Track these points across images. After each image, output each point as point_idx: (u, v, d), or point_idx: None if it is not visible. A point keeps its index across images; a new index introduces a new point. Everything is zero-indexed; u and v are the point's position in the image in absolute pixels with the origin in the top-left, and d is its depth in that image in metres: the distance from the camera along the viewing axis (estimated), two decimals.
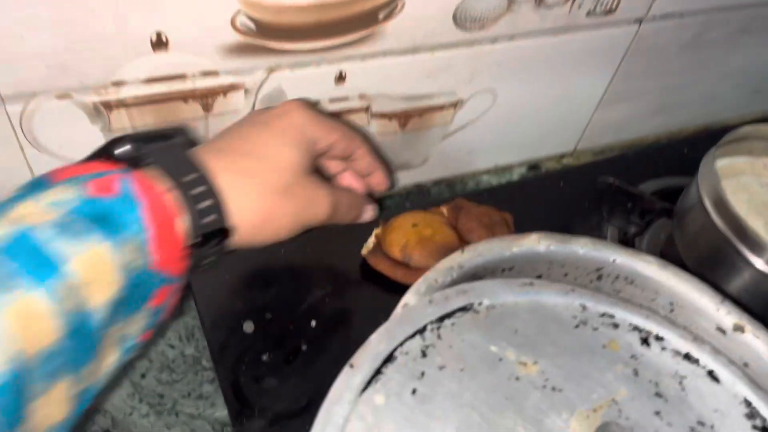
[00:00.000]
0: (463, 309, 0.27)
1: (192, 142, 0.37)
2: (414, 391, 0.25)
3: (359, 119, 0.54)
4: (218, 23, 0.41)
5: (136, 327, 0.30)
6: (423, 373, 0.25)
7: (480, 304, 0.28)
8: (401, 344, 0.26)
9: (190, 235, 0.31)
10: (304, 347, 0.41)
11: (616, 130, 0.71)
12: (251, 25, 0.42)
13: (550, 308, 0.28)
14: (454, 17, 0.49)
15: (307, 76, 0.48)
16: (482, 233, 0.46)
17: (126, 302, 0.28)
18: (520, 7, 0.50)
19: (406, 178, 0.63)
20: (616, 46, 0.59)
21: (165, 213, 0.29)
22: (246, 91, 0.47)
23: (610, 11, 0.55)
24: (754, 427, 0.26)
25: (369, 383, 0.24)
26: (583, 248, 0.30)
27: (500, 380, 0.25)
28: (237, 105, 0.47)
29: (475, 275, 0.30)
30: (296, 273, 0.45)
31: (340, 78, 0.49)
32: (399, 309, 0.27)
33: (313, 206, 0.36)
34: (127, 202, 0.28)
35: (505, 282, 0.28)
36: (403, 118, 0.56)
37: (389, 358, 0.25)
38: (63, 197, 0.27)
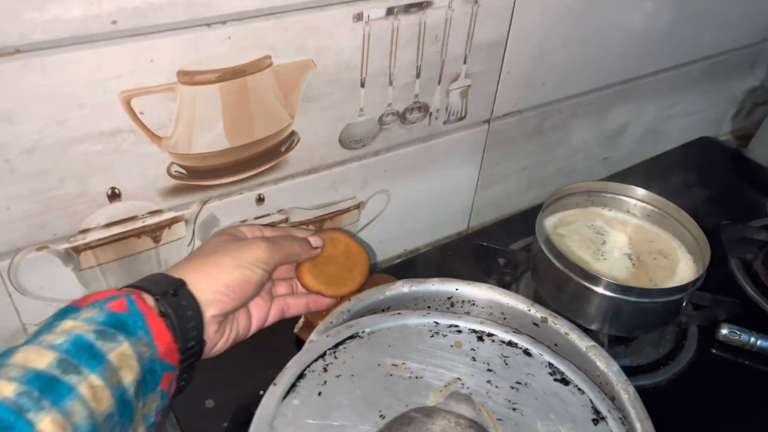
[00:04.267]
0: (352, 337, 0.39)
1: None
2: (320, 393, 0.36)
3: None
4: (158, 174, 0.55)
5: (153, 406, 0.40)
6: (325, 382, 0.37)
7: (363, 332, 0.40)
8: (308, 366, 0.37)
9: (173, 320, 0.42)
10: None
11: (499, 208, 0.86)
12: (183, 171, 0.56)
13: (413, 327, 0.40)
14: (340, 141, 0.64)
15: (234, 202, 0.61)
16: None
17: (145, 383, 0.39)
18: (390, 126, 0.66)
19: None
20: (476, 142, 0.76)
21: (156, 319, 0.41)
22: (186, 222, 0.60)
23: (461, 118, 0.72)
24: (555, 379, 0.38)
25: (288, 393, 0.36)
26: (434, 285, 0.43)
27: (379, 378, 0.37)
28: (180, 234, 0.60)
29: (361, 316, 0.42)
30: (245, 358, 0.56)
31: (260, 200, 0.63)
32: (307, 344, 0.39)
33: (250, 248, 0.48)
34: (135, 315, 0.40)
35: (380, 315, 0.41)
36: (318, 222, 0.70)
37: (301, 376, 0.37)
38: (93, 315, 0.39)
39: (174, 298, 0.43)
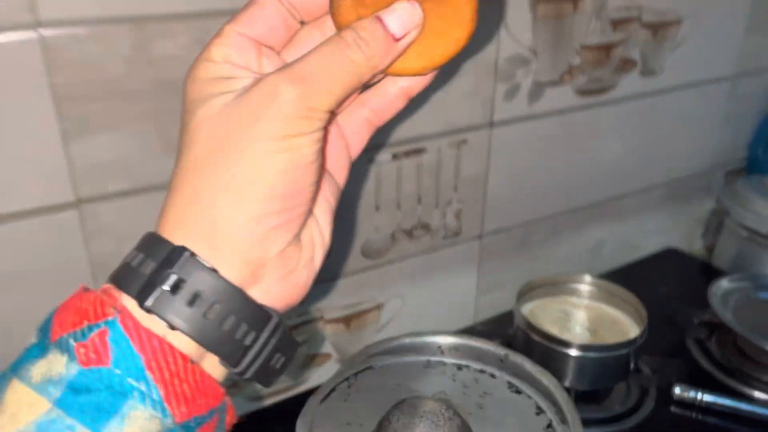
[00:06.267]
0: (367, 368, 0.56)
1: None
2: (345, 400, 0.53)
3: (318, 326, 0.85)
4: None
5: None
6: (349, 394, 0.53)
7: (376, 365, 0.57)
8: (339, 383, 0.54)
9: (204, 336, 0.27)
10: None
11: (498, 308, 1.03)
12: None
13: (412, 363, 0.57)
14: (362, 252, 0.84)
15: None
16: None
17: None
18: (400, 240, 0.86)
19: None
20: (471, 254, 0.95)
21: (165, 354, 0.25)
22: None
23: (457, 234, 0.92)
24: (512, 391, 0.54)
25: (324, 399, 0.52)
26: (428, 337, 0.61)
27: (387, 392, 0.54)
28: None
29: (374, 356, 0.59)
30: None
31: None
32: (335, 372, 0.56)
33: (273, 104, 0.28)
34: (126, 360, 0.24)
35: (388, 355, 0.58)
36: (346, 321, 0.87)
37: (333, 390, 0.54)
38: (51, 376, 0.24)
39: (191, 307, 0.27)
